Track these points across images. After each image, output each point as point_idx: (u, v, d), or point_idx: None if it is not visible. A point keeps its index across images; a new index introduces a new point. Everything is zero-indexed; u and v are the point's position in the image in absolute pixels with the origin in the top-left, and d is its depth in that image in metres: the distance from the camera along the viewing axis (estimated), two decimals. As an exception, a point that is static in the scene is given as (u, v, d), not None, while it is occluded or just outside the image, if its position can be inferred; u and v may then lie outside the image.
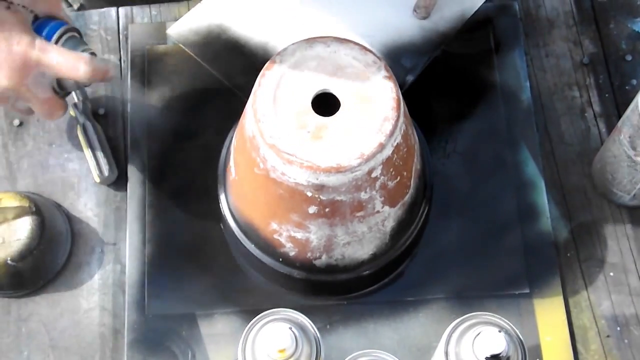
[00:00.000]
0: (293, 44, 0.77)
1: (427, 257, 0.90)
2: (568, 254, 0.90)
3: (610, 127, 0.93)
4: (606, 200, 0.92)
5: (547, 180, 0.93)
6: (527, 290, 0.88)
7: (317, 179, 0.74)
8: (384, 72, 0.75)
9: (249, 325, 0.71)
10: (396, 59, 0.98)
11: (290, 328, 0.68)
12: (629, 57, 0.97)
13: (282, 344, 0.67)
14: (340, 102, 0.75)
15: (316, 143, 0.74)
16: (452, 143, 0.95)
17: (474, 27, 0.99)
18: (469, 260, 0.90)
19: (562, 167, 0.94)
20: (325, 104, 0.76)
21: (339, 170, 0.73)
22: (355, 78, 0.75)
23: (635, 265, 0.89)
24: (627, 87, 0.96)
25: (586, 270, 0.89)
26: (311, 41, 0.77)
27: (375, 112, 0.74)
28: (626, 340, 0.86)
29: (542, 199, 0.92)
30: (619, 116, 0.90)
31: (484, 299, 0.88)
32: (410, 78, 0.97)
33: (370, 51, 0.76)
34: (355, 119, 0.74)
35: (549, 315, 0.87)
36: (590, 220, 0.91)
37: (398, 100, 0.74)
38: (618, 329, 0.87)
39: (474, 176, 0.93)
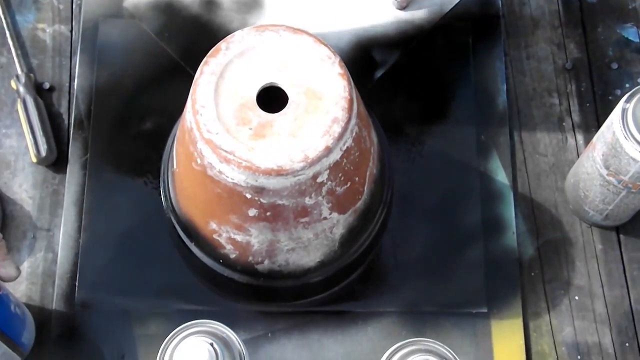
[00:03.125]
0: (242, 30, 0.70)
1: (381, 266, 0.84)
2: (532, 273, 0.84)
3: (589, 139, 0.86)
4: (578, 218, 0.85)
5: (517, 193, 0.87)
6: (485, 310, 0.82)
7: (257, 181, 0.67)
8: (337, 69, 0.69)
9: (167, 339, 0.64)
10: (366, 51, 0.91)
11: (212, 344, 0.62)
12: (614, 65, 0.91)
13: (199, 362, 0.61)
14: (288, 97, 0.69)
15: (258, 142, 0.67)
16: (418, 146, 0.88)
17: (451, 21, 0.92)
18: (426, 272, 0.84)
19: (533, 179, 0.87)
20: (272, 98, 0.69)
21: (279, 173, 0.66)
22: (306, 73, 0.69)
23: (603, 290, 0.83)
24: (610, 97, 0.90)
25: (550, 292, 0.83)
26: (262, 29, 0.70)
27: (324, 112, 0.67)
28: (586, 371, 0.81)
29: (510, 212, 0.86)
30: (599, 128, 0.83)
31: (438, 316, 0.82)
32: (378, 73, 0.90)
33: (325, 44, 0.70)
34: (302, 118, 0.68)
35: (506, 339, 0.81)
36: (559, 238, 0.85)
37: (350, 100, 0.68)
38: (579, 357, 0.81)
39: (439, 183, 0.87)
